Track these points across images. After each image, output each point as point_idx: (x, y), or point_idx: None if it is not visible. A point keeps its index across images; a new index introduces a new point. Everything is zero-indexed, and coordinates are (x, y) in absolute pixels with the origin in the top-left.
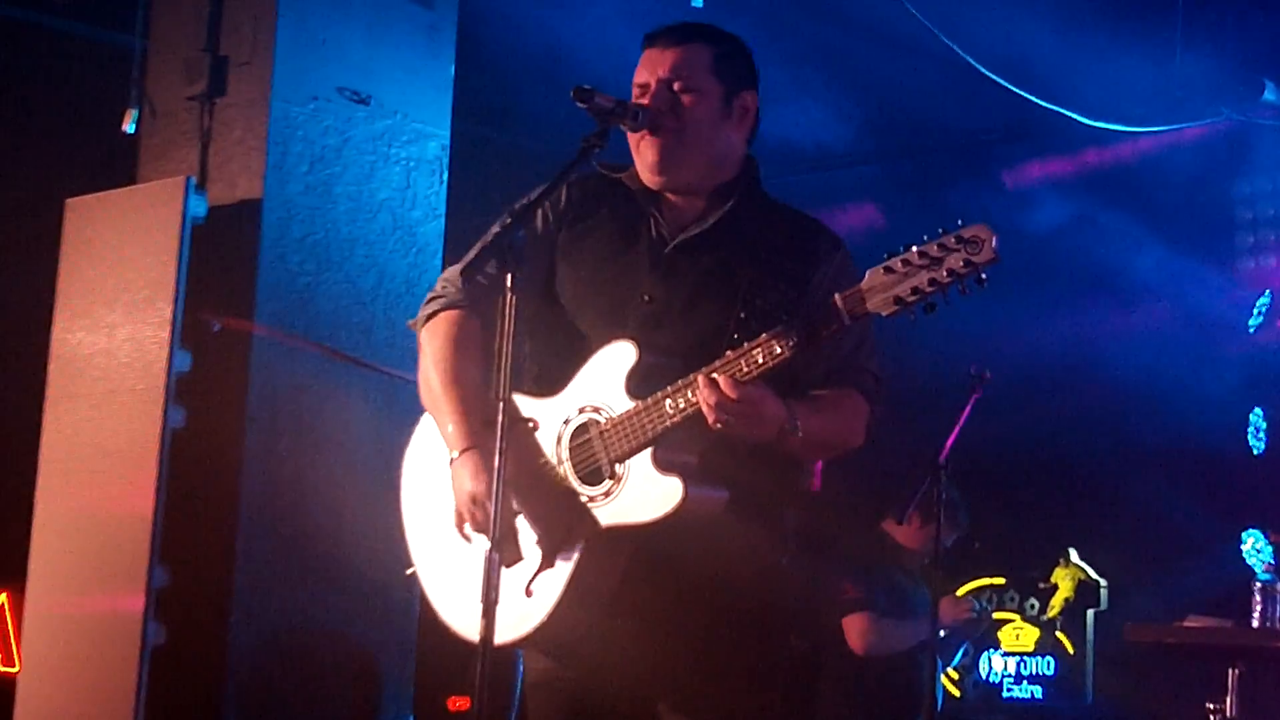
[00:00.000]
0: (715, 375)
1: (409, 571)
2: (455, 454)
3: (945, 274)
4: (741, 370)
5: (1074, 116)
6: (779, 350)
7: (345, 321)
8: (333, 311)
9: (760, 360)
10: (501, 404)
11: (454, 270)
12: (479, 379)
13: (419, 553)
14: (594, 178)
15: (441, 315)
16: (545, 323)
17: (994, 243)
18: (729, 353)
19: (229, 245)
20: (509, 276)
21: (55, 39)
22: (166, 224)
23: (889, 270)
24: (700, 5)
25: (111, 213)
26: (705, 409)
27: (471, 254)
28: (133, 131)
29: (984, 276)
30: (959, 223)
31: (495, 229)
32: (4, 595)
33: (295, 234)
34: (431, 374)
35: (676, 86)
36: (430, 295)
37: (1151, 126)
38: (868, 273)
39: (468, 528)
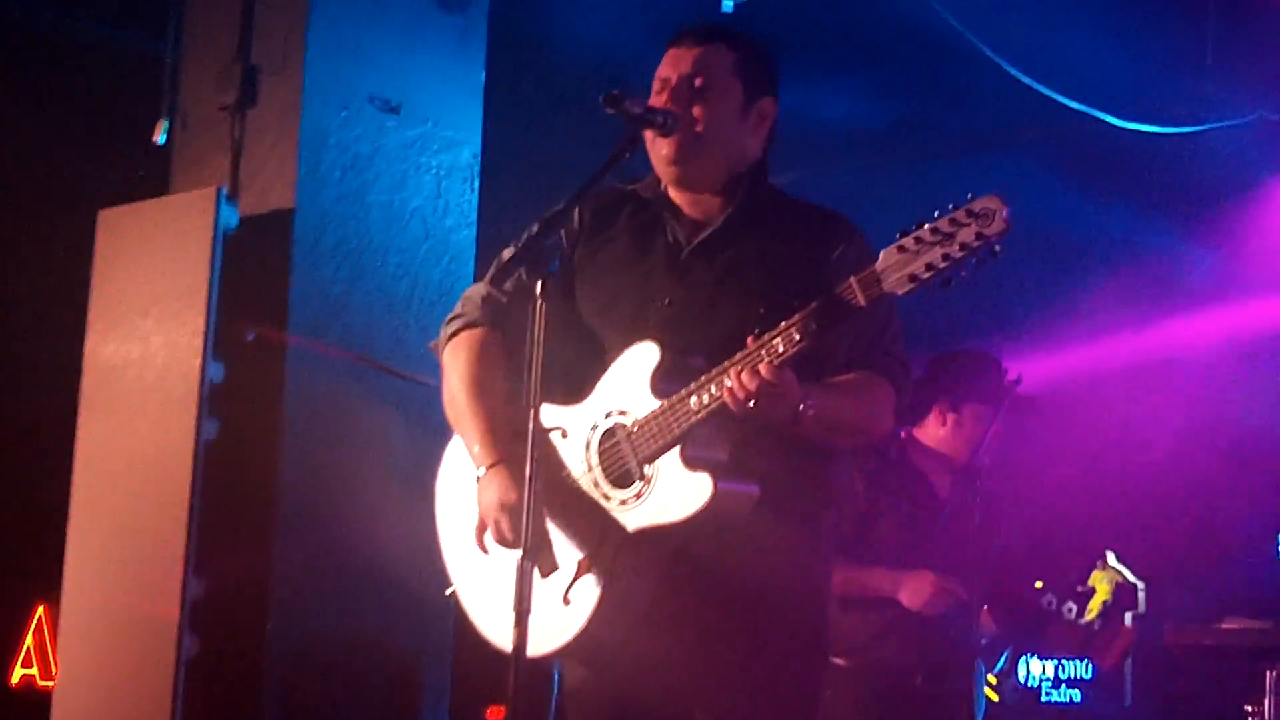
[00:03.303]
0: (758, 366)
1: (449, 592)
2: (483, 470)
3: (958, 248)
4: (763, 360)
5: (1105, 118)
6: (798, 337)
7: (379, 330)
8: (366, 320)
9: (781, 349)
10: (532, 410)
11: (474, 289)
12: (504, 393)
13: (457, 571)
14: (607, 192)
15: (463, 334)
16: (569, 336)
17: (1005, 213)
18: (749, 341)
19: (262, 254)
20: (539, 283)
21: (86, 49)
22: (199, 234)
23: (902, 249)
24: (730, 9)
25: (144, 224)
26: (737, 393)
27: (500, 262)
28: (164, 142)
29: (998, 248)
30: (969, 196)
31: (524, 239)
32: (40, 608)
33: (328, 243)
34: (457, 391)
35: (697, 84)
36: (450, 316)
37: (1183, 126)
38: (881, 253)
39: (488, 538)
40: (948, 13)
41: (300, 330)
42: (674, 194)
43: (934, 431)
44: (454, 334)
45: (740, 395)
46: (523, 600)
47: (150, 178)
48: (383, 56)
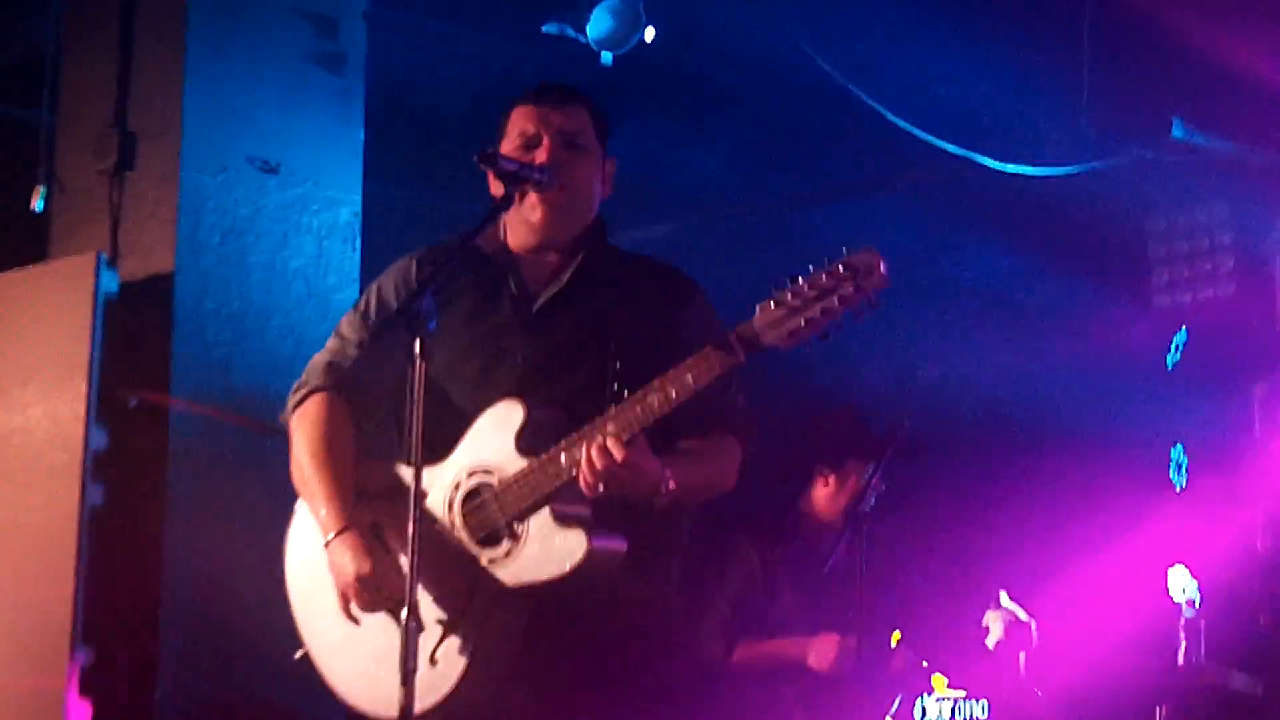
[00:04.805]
0: (606, 440)
1: (299, 655)
2: (330, 536)
3: (837, 302)
4: (637, 415)
5: (982, 160)
6: (674, 394)
7: (263, 391)
8: (250, 382)
9: (656, 405)
10: (415, 470)
11: (317, 357)
12: (350, 457)
13: (310, 634)
14: (444, 249)
15: (309, 400)
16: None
17: (882, 267)
18: (628, 396)
19: (144, 319)
20: (418, 343)
21: None
22: (79, 301)
23: (779, 304)
24: (609, 63)
25: (23, 291)
26: (587, 475)
27: (361, 328)
28: (42, 209)
29: (875, 300)
30: (843, 250)
31: (372, 295)
32: None
33: (210, 306)
34: (302, 458)
35: (576, 141)
36: (295, 385)
37: (1061, 167)
38: (759, 307)
39: (354, 609)
40: (821, 58)
41: (184, 394)
42: (515, 248)
43: (818, 494)
44: (299, 402)
45: (590, 477)
46: (409, 660)
47: (28, 245)
48: (261, 117)
